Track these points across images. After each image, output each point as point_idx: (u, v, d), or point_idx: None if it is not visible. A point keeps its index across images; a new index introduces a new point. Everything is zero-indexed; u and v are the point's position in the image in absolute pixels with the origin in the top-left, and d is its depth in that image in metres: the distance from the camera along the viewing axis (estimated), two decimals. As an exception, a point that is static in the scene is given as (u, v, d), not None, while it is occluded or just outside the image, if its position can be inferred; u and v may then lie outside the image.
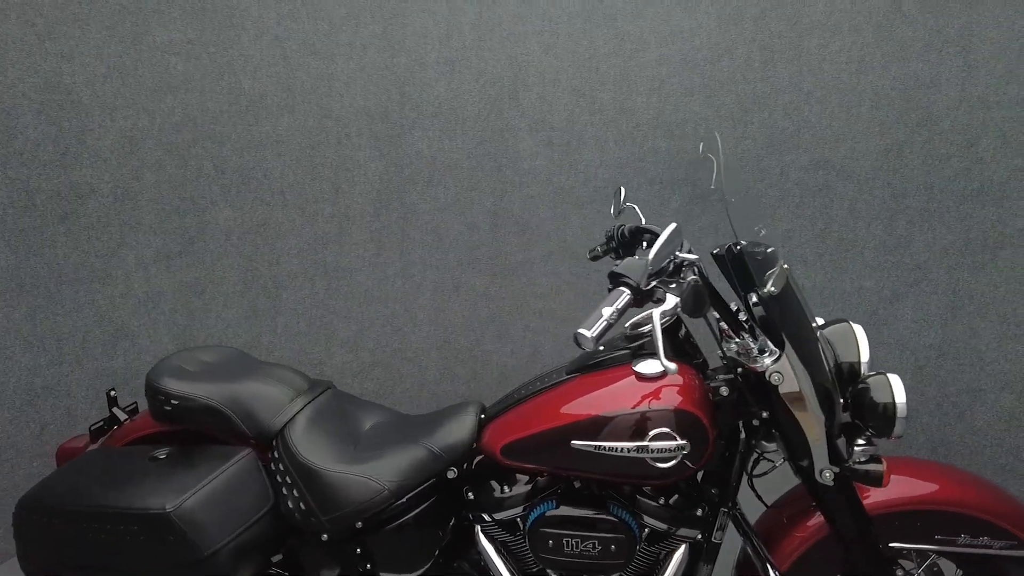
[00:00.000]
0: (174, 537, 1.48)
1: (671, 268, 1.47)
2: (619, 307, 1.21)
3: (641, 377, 1.50)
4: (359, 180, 3.12)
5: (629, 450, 1.44)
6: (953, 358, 2.80)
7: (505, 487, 1.66)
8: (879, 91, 2.75)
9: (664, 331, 1.55)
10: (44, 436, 2.61)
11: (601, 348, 1.64)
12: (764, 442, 1.55)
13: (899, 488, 1.56)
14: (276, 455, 1.68)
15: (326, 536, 1.65)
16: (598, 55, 3.02)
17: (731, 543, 1.62)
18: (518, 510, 1.62)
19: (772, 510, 1.71)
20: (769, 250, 1.50)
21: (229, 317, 3.03)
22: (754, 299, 1.43)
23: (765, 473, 1.64)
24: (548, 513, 1.56)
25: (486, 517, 1.66)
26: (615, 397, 1.49)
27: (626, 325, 1.69)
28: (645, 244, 1.87)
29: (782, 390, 1.40)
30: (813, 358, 1.40)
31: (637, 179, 3.08)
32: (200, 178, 2.89)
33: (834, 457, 1.41)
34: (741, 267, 1.44)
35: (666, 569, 1.55)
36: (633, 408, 1.46)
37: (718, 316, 1.48)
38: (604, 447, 1.46)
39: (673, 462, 1.44)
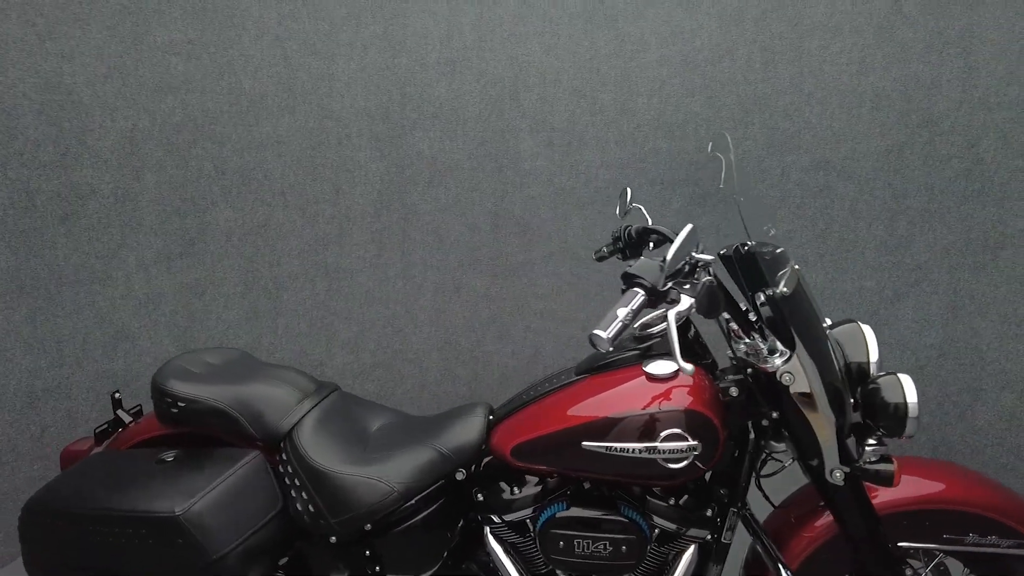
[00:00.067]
0: (183, 540, 1.47)
1: (686, 269, 1.47)
2: (634, 308, 1.21)
3: (652, 378, 1.51)
4: (360, 181, 3.11)
5: (640, 451, 1.44)
6: (954, 358, 2.81)
7: (515, 488, 1.66)
8: (880, 92, 2.76)
9: (678, 330, 1.55)
10: (45, 439, 2.59)
11: (610, 348, 1.64)
12: (773, 442, 1.55)
13: (907, 488, 1.57)
14: (284, 457, 1.67)
15: (335, 538, 1.65)
16: (599, 56, 3.02)
17: (737, 543, 1.62)
18: (528, 511, 1.62)
19: (780, 510, 1.71)
20: (778, 250, 1.50)
21: (230, 318, 3.02)
22: (761, 299, 1.43)
23: (774, 473, 1.64)
24: (559, 514, 1.55)
25: (495, 518, 1.65)
26: (626, 398, 1.49)
27: (634, 326, 1.69)
28: (652, 245, 1.87)
29: (793, 390, 1.40)
30: (823, 358, 1.40)
31: (638, 180, 3.08)
32: (200, 179, 2.88)
33: (844, 457, 1.41)
34: (749, 267, 1.45)
35: (676, 569, 1.55)
36: (644, 409, 1.46)
37: (728, 316, 1.49)
38: (615, 448, 1.46)
39: (684, 463, 1.44)
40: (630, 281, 1.27)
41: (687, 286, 1.38)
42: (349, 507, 1.60)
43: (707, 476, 1.63)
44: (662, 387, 1.49)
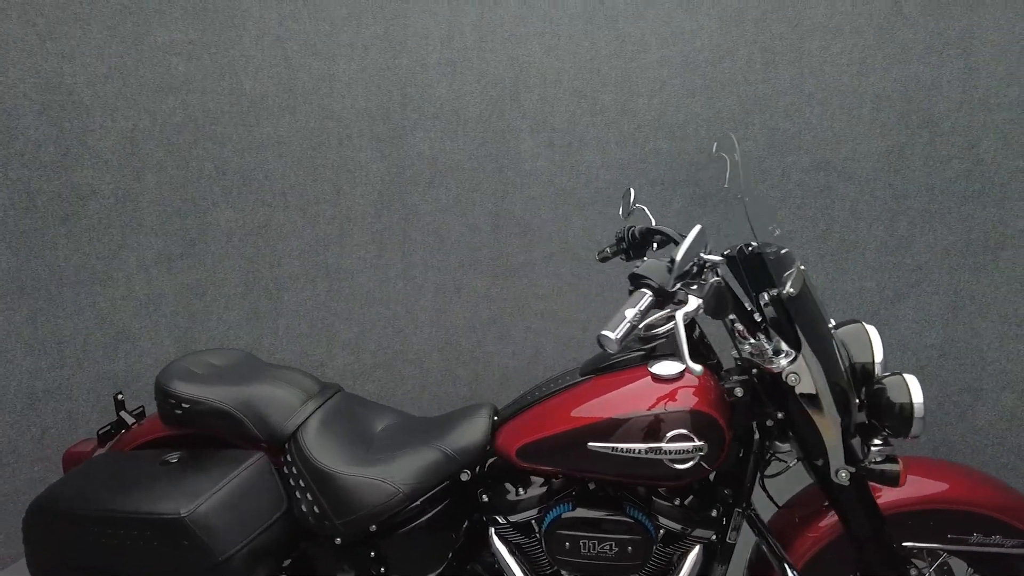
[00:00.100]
0: (188, 542, 1.47)
1: (693, 270, 1.48)
2: (642, 309, 1.21)
3: (657, 378, 1.51)
4: (360, 181, 3.11)
5: (647, 451, 1.44)
6: (954, 358, 2.82)
7: (520, 489, 1.66)
8: (880, 93, 2.77)
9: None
10: (45, 440, 2.58)
11: (619, 349, 1.64)
12: (778, 443, 1.55)
13: (911, 488, 1.57)
14: (289, 459, 1.67)
15: (339, 539, 1.64)
16: (599, 56, 3.02)
17: (740, 543, 1.63)
18: (533, 512, 1.62)
19: (784, 510, 1.71)
20: (783, 251, 1.51)
21: (230, 319, 3.01)
22: (765, 299, 1.43)
23: (778, 474, 1.65)
24: (564, 515, 1.55)
25: (500, 519, 1.65)
26: (632, 399, 1.49)
27: (639, 327, 1.69)
28: (656, 245, 1.87)
29: (798, 391, 1.40)
30: (829, 358, 1.41)
31: (639, 180, 3.08)
32: (201, 179, 2.87)
33: (849, 457, 1.42)
34: (753, 268, 1.45)
35: (681, 570, 1.55)
36: (650, 409, 1.47)
37: (734, 317, 1.49)
38: (621, 448, 1.46)
39: (690, 463, 1.44)
40: (637, 282, 1.27)
41: (694, 287, 1.38)
42: (354, 508, 1.59)
43: (711, 477, 1.64)
44: (668, 388, 1.49)
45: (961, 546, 1.55)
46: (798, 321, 1.38)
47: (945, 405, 2.86)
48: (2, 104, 2.39)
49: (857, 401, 1.44)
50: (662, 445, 1.44)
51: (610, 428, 1.47)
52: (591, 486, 1.60)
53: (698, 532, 1.56)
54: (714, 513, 1.57)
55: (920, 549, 1.59)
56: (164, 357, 2.86)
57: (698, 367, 1.23)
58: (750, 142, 2.94)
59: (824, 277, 2.95)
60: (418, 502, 1.64)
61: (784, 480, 1.67)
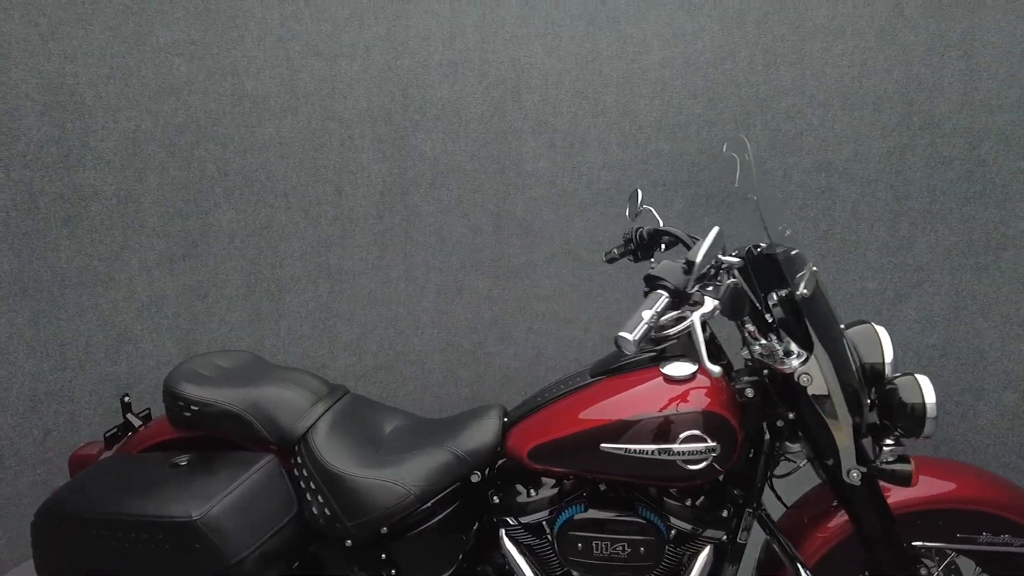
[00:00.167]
0: (200, 545, 1.46)
1: (711, 272, 1.48)
2: (658, 310, 1.22)
3: (669, 379, 1.51)
4: (362, 182, 3.11)
5: (660, 452, 1.44)
6: (956, 358, 2.83)
7: (531, 491, 1.66)
8: (882, 94, 2.78)
9: (690, 333, 1.56)
10: (48, 442, 2.57)
11: (636, 351, 1.64)
12: (788, 443, 1.56)
13: (921, 487, 1.58)
14: (300, 461, 1.66)
15: (350, 542, 1.64)
16: (601, 58, 3.03)
17: (749, 543, 1.63)
18: (544, 513, 1.62)
19: (793, 511, 1.72)
20: (793, 252, 1.51)
21: (232, 320, 3.00)
22: (774, 300, 1.44)
23: (789, 474, 1.65)
24: (577, 516, 1.55)
25: (510, 520, 1.65)
26: (644, 400, 1.50)
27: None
28: (664, 246, 1.87)
29: (810, 391, 1.40)
30: (841, 359, 1.41)
31: (640, 181, 3.09)
32: (203, 180, 2.86)
33: (861, 457, 1.42)
34: (761, 269, 1.46)
35: (691, 570, 1.55)
36: (662, 411, 1.47)
37: (746, 318, 1.49)
38: (634, 450, 1.46)
39: (703, 464, 1.45)
40: (653, 283, 1.27)
41: (709, 288, 1.38)
42: (365, 510, 1.59)
43: (720, 477, 1.64)
44: (680, 389, 1.49)
45: (970, 545, 1.56)
46: (811, 322, 1.38)
47: (947, 405, 2.88)
48: (4, 104, 2.38)
49: (868, 401, 1.44)
50: (675, 446, 1.44)
51: (623, 429, 1.48)
52: (602, 487, 1.60)
53: (709, 532, 1.57)
54: (725, 513, 1.57)
55: (929, 549, 1.59)
56: (166, 359, 2.84)
57: (716, 369, 1.23)
58: (751, 143, 2.95)
59: (826, 278, 2.96)
60: (429, 504, 1.64)
61: (791, 480, 1.67)
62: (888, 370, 1.47)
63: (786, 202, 2.94)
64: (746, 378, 1.52)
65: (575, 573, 1.61)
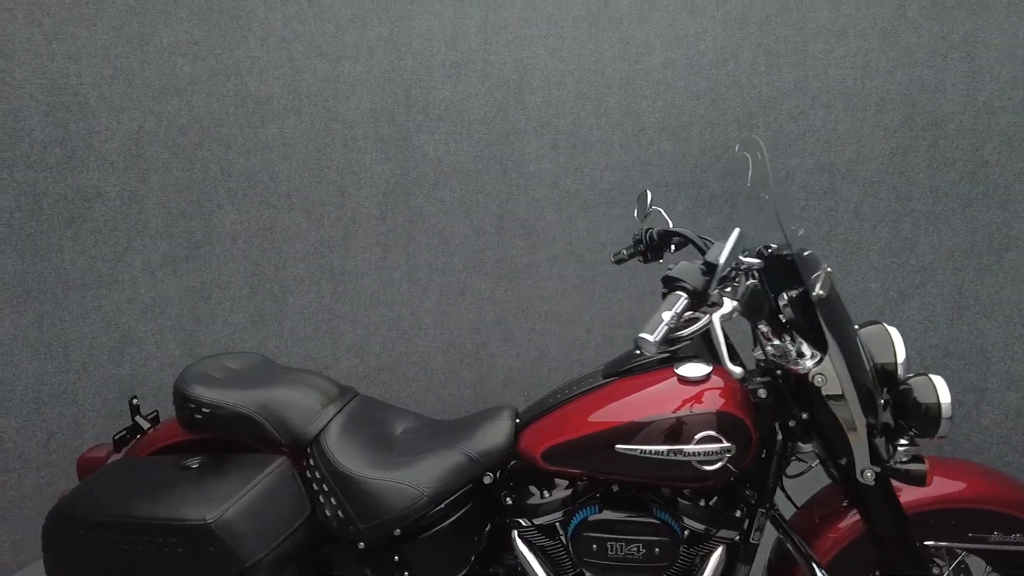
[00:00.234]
0: (214, 548, 1.45)
1: (732, 274, 1.49)
2: (678, 311, 1.22)
3: (683, 380, 1.51)
4: (365, 183, 3.10)
5: (675, 453, 1.45)
6: (959, 358, 2.85)
7: (544, 492, 1.66)
8: (884, 96, 2.79)
9: (705, 334, 1.56)
10: (51, 445, 2.55)
11: (637, 352, 1.65)
12: (800, 443, 1.56)
13: (932, 487, 1.58)
14: (312, 463, 1.66)
15: (363, 544, 1.64)
16: (603, 59, 3.03)
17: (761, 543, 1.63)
18: (558, 515, 1.62)
19: (803, 511, 1.72)
20: (806, 252, 1.52)
21: (235, 322, 2.99)
22: (784, 300, 1.44)
23: (800, 474, 1.66)
24: (591, 518, 1.55)
25: (523, 522, 1.65)
26: (658, 401, 1.50)
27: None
28: (674, 247, 1.88)
29: (824, 392, 1.41)
30: (855, 359, 1.42)
31: (643, 182, 3.09)
32: (206, 181, 2.85)
33: (875, 457, 1.43)
34: (772, 269, 1.46)
35: (704, 570, 1.56)
36: (677, 411, 1.47)
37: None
38: (650, 451, 1.46)
39: (718, 464, 1.45)
40: (671, 284, 1.28)
41: (727, 289, 1.39)
42: (379, 513, 1.59)
43: (732, 477, 1.64)
44: (694, 390, 1.49)
45: (981, 545, 1.57)
46: (826, 322, 1.39)
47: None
48: (9, 105, 2.36)
49: (882, 401, 1.45)
50: (690, 447, 1.44)
51: (637, 430, 1.48)
52: (614, 488, 1.61)
53: (722, 533, 1.57)
54: (738, 514, 1.57)
55: (940, 548, 1.60)
56: (170, 361, 2.83)
57: (738, 370, 1.24)
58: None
59: (829, 278, 2.97)
60: (442, 505, 1.63)
61: (799, 480, 1.68)
62: (900, 370, 1.48)
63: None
64: (759, 379, 1.53)
65: (588, 574, 1.61)
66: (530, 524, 1.65)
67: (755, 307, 1.32)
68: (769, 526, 1.62)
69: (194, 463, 1.63)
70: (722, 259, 1.25)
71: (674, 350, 1.60)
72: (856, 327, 1.58)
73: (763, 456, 1.59)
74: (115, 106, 2.60)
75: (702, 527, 1.56)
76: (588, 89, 3.06)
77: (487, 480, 1.66)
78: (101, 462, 1.86)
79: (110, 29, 2.56)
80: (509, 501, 1.66)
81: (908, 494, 1.57)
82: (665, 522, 1.53)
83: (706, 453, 1.44)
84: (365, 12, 2.97)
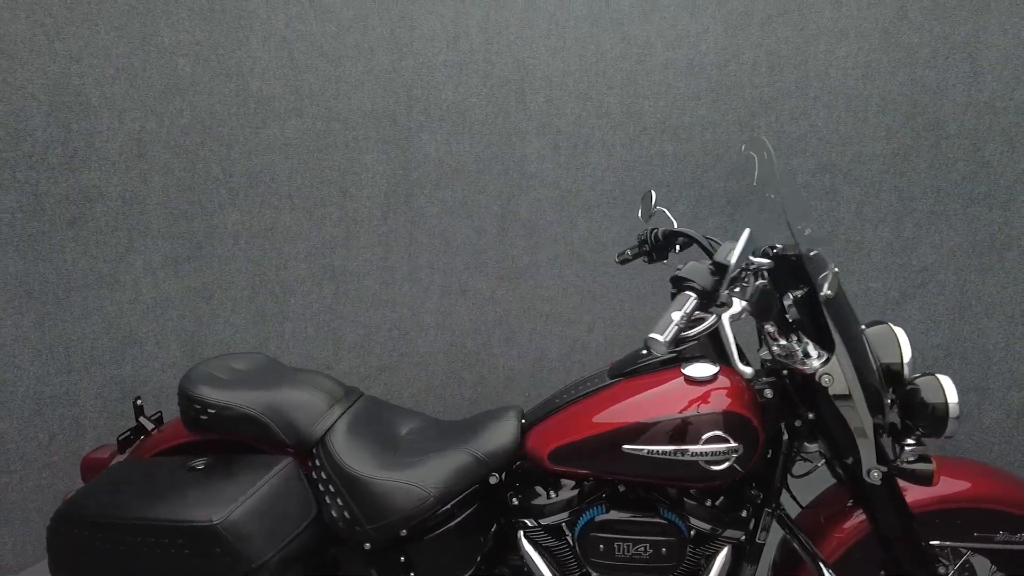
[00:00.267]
0: (221, 549, 1.45)
1: (742, 275, 1.49)
2: (687, 311, 1.22)
3: (690, 380, 1.51)
4: (366, 183, 3.10)
5: (682, 453, 1.45)
6: (961, 357, 2.85)
7: (551, 492, 1.65)
8: (886, 96, 2.80)
9: (710, 334, 1.56)
10: (53, 446, 2.54)
11: (645, 352, 1.65)
12: (806, 443, 1.56)
13: (938, 486, 1.58)
14: (318, 464, 1.66)
15: (369, 545, 1.63)
16: (605, 59, 3.03)
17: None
18: (564, 515, 1.61)
19: (808, 511, 1.72)
20: (812, 253, 1.52)
21: (237, 322, 2.99)
22: (790, 300, 1.44)
23: (807, 474, 1.66)
24: (598, 518, 1.55)
25: (529, 523, 1.65)
26: (665, 401, 1.50)
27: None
28: (679, 247, 1.88)
29: (831, 392, 1.41)
30: (862, 359, 1.42)
31: (644, 182, 3.09)
32: (208, 181, 2.85)
33: (881, 457, 1.43)
34: (777, 269, 1.46)
35: (710, 570, 1.56)
36: (684, 411, 1.47)
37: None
38: (656, 451, 1.46)
39: (725, 464, 1.45)
40: (680, 284, 1.28)
41: (736, 289, 1.39)
42: (385, 513, 1.58)
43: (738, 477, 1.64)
44: (701, 390, 1.49)
45: (987, 544, 1.57)
46: (833, 322, 1.39)
47: (950, 404, 2.89)
48: (10, 105, 2.35)
49: (888, 401, 1.45)
50: (698, 447, 1.44)
51: (644, 430, 1.47)
52: (621, 488, 1.60)
53: (728, 532, 1.57)
54: (744, 513, 1.57)
55: (945, 548, 1.60)
56: (171, 361, 2.83)
57: (749, 370, 1.24)
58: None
59: (830, 278, 2.97)
60: (448, 506, 1.63)
61: (803, 480, 1.68)
62: (906, 370, 1.48)
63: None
64: (765, 379, 1.53)
65: (595, 574, 1.61)
66: (536, 524, 1.64)
67: (764, 307, 1.32)
68: (775, 526, 1.62)
69: (200, 464, 1.62)
70: (733, 260, 1.24)
71: (680, 350, 1.60)
72: (862, 327, 1.58)
73: (769, 456, 1.60)
74: (117, 106, 2.60)
75: (708, 527, 1.56)
76: (589, 89, 3.06)
77: (493, 480, 1.66)
78: (105, 463, 1.85)
79: (112, 29, 2.56)
80: (515, 501, 1.66)
81: (913, 494, 1.57)
82: (672, 522, 1.53)
83: (713, 453, 1.44)
84: (367, 12, 2.97)
